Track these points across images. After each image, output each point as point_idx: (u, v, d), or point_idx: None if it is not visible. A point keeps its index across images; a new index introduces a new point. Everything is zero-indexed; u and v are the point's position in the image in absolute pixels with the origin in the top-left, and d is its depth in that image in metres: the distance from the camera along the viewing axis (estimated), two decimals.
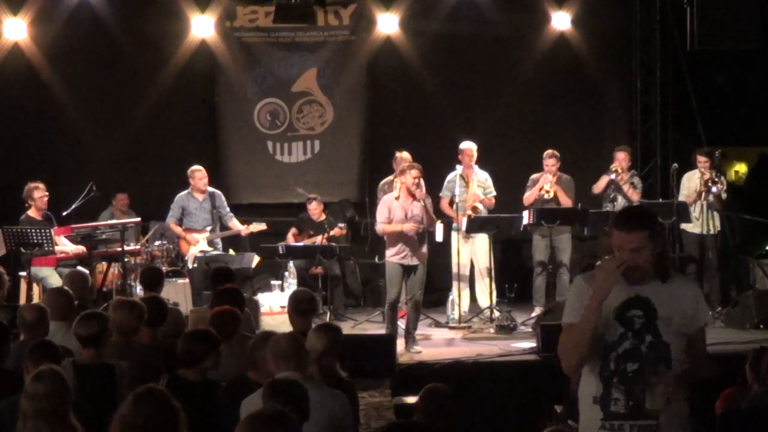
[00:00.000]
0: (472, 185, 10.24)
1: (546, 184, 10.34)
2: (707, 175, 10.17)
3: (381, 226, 8.85)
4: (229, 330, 5.90)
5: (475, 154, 10.31)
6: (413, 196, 8.72)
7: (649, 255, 3.74)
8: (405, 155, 10.38)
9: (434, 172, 10.59)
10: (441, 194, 10.30)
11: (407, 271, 8.77)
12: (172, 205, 10.47)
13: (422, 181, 8.81)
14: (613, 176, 10.44)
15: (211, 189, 10.57)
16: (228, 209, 10.64)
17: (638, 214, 3.86)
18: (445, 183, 10.32)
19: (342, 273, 10.90)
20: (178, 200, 10.46)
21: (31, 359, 4.80)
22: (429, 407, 4.95)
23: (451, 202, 10.25)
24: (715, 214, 10.36)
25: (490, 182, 10.36)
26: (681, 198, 10.35)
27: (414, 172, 8.70)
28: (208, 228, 10.42)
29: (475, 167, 10.33)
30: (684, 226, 10.48)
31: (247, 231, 10.53)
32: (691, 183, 10.39)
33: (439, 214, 10.39)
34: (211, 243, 10.44)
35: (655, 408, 3.69)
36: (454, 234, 10.27)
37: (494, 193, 10.35)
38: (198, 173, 10.48)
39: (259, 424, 3.37)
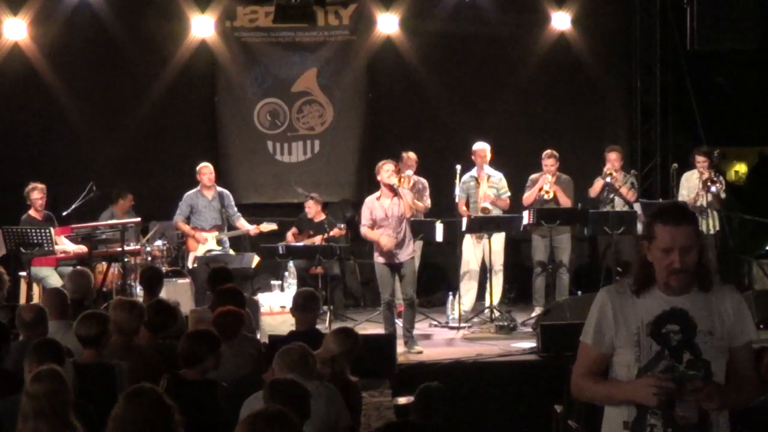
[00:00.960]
0: (483, 185, 10.25)
1: (545, 184, 10.35)
2: (706, 175, 10.16)
3: (364, 230, 8.92)
4: (232, 330, 5.91)
5: (488, 155, 10.33)
6: (393, 192, 8.72)
7: (696, 256, 3.35)
8: (411, 155, 10.37)
9: (434, 171, 10.61)
10: (456, 197, 10.30)
11: (395, 269, 8.77)
12: (181, 202, 10.50)
13: (397, 176, 8.87)
14: (608, 179, 10.43)
15: (220, 188, 10.61)
16: (236, 209, 10.67)
17: (683, 207, 3.50)
18: (460, 184, 10.32)
19: (342, 273, 10.90)
20: (186, 198, 10.49)
21: (34, 357, 4.79)
22: (423, 406, 4.96)
23: (467, 203, 10.27)
24: (715, 213, 10.35)
25: (504, 182, 10.37)
26: (680, 198, 10.35)
27: (387, 166, 8.74)
28: (217, 227, 10.45)
29: (489, 168, 10.35)
30: None
31: (257, 231, 10.57)
32: (690, 183, 10.39)
33: (447, 213, 10.40)
34: (219, 242, 10.47)
35: (686, 415, 3.29)
36: (467, 235, 10.27)
37: (509, 194, 10.37)
38: (204, 169, 10.54)
39: (260, 423, 3.37)
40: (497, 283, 10.28)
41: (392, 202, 8.73)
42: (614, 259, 10.25)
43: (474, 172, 10.36)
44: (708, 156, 10.28)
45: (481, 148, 10.38)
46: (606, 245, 10.52)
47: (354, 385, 5.43)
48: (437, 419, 4.98)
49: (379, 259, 8.80)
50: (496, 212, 10.26)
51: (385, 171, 8.72)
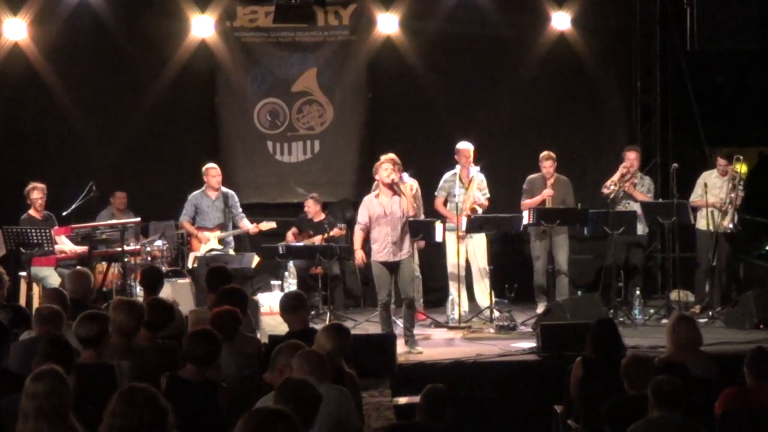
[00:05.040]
0: (473, 186, 10.22)
1: (548, 198, 10.38)
2: (732, 185, 10.15)
3: (356, 228, 8.96)
4: (230, 330, 5.90)
5: (472, 155, 10.29)
6: (393, 191, 8.71)
7: None
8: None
9: (434, 172, 10.61)
10: (436, 194, 10.30)
11: (392, 268, 8.75)
12: (186, 203, 10.53)
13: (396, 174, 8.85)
14: (612, 187, 10.39)
15: (225, 189, 10.62)
16: (240, 210, 10.68)
17: None
18: (441, 182, 10.31)
19: (342, 273, 10.90)
20: (191, 199, 10.51)
21: (44, 355, 4.78)
22: (430, 408, 4.95)
23: (446, 202, 10.25)
24: (728, 213, 10.31)
25: (485, 184, 10.35)
26: (694, 197, 10.36)
27: (386, 165, 8.72)
28: (220, 226, 10.46)
29: (473, 168, 10.31)
30: (697, 224, 10.47)
31: (256, 229, 10.57)
32: (707, 181, 10.36)
33: (432, 213, 10.39)
34: (222, 241, 10.47)
35: None
36: (449, 234, 10.26)
37: (488, 195, 10.34)
38: (212, 171, 10.55)
39: (258, 420, 3.37)
40: (486, 284, 10.24)
41: (391, 200, 8.72)
42: (614, 259, 10.25)
43: (456, 170, 10.28)
44: (728, 158, 10.30)
45: (466, 147, 10.27)
46: (606, 245, 10.51)
47: (350, 375, 5.45)
48: (443, 421, 4.97)
49: (376, 257, 8.77)
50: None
51: (384, 170, 8.71)
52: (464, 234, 10.12)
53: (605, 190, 10.51)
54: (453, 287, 10.23)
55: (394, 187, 8.70)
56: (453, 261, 10.27)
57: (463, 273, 10.29)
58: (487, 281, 10.24)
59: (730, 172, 10.27)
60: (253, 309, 8.75)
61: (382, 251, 8.73)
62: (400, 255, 8.72)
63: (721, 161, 10.36)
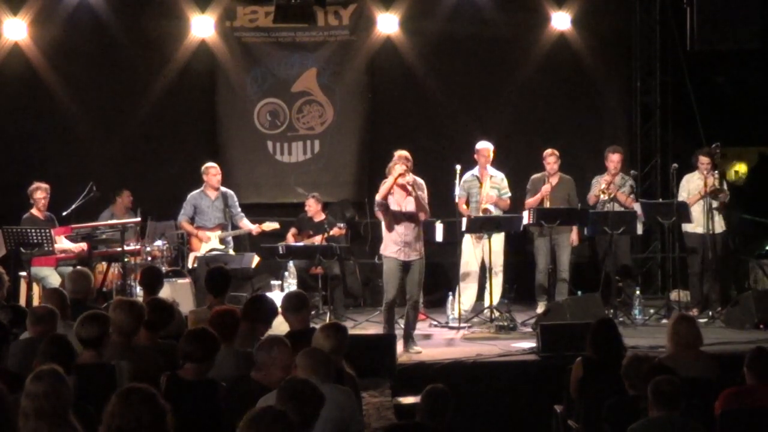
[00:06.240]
0: (485, 186, 10.23)
1: (545, 198, 10.38)
2: (711, 181, 10.09)
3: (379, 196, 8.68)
4: (230, 330, 5.90)
5: (492, 155, 10.30)
6: (407, 192, 8.68)
7: None
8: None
9: (434, 171, 10.59)
10: (457, 194, 10.25)
11: (405, 267, 8.72)
12: (185, 203, 10.51)
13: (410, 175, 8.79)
14: (601, 197, 10.35)
15: (224, 189, 10.61)
16: (239, 209, 10.67)
17: None
18: (461, 183, 10.27)
19: (342, 273, 10.88)
20: (190, 198, 10.50)
21: (45, 355, 4.78)
22: (430, 408, 4.96)
23: (467, 202, 10.25)
24: (721, 214, 10.30)
25: (505, 183, 10.34)
26: (680, 199, 10.33)
27: (399, 167, 8.61)
28: (220, 225, 10.46)
29: (491, 168, 10.32)
30: (685, 226, 10.45)
31: (259, 230, 10.57)
32: (690, 185, 10.35)
33: (447, 213, 10.38)
34: (222, 241, 10.47)
35: None
36: (466, 234, 10.24)
37: (509, 194, 10.34)
38: (212, 170, 10.54)
39: (257, 422, 3.37)
40: (497, 283, 10.25)
41: (406, 201, 8.69)
42: (613, 264, 10.22)
43: (476, 171, 10.33)
44: (710, 156, 10.26)
45: (485, 147, 10.33)
46: (606, 247, 10.47)
47: (350, 375, 5.45)
48: (443, 421, 4.97)
49: (389, 253, 8.70)
50: (496, 213, 10.25)
51: (397, 172, 8.66)
52: (481, 234, 10.09)
53: (593, 199, 10.46)
54: (464, 286, 10.21)
55: (407, 188, 8.65)
56: (466, 260, 10.27)
57: (477, 272, 10.28)
58: (500, 280, 10.24)
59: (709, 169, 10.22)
60: None
61: (395, 247, 8.66)
62: (412, 255, 8.71)
63: (703, 159, 10.27)
